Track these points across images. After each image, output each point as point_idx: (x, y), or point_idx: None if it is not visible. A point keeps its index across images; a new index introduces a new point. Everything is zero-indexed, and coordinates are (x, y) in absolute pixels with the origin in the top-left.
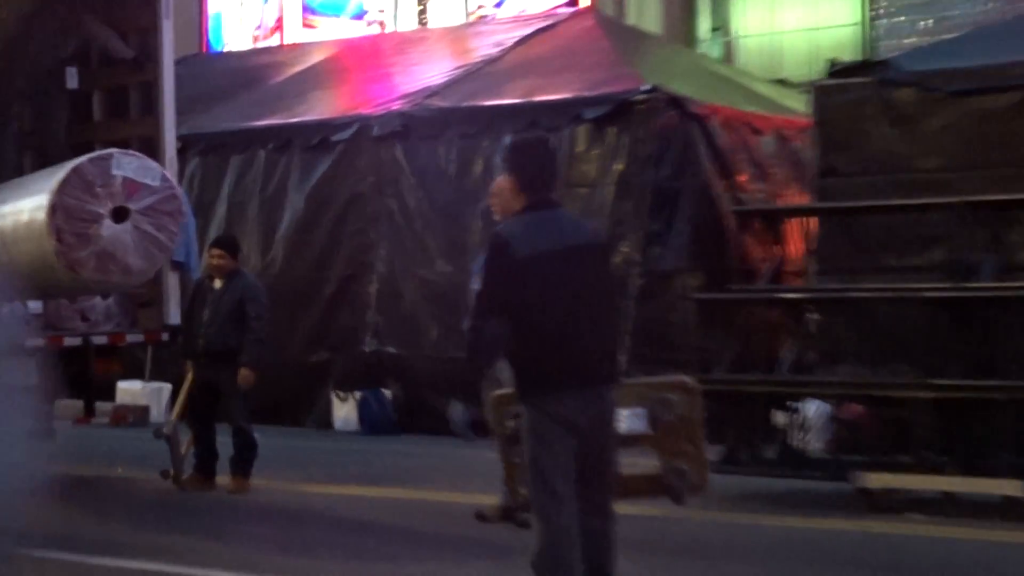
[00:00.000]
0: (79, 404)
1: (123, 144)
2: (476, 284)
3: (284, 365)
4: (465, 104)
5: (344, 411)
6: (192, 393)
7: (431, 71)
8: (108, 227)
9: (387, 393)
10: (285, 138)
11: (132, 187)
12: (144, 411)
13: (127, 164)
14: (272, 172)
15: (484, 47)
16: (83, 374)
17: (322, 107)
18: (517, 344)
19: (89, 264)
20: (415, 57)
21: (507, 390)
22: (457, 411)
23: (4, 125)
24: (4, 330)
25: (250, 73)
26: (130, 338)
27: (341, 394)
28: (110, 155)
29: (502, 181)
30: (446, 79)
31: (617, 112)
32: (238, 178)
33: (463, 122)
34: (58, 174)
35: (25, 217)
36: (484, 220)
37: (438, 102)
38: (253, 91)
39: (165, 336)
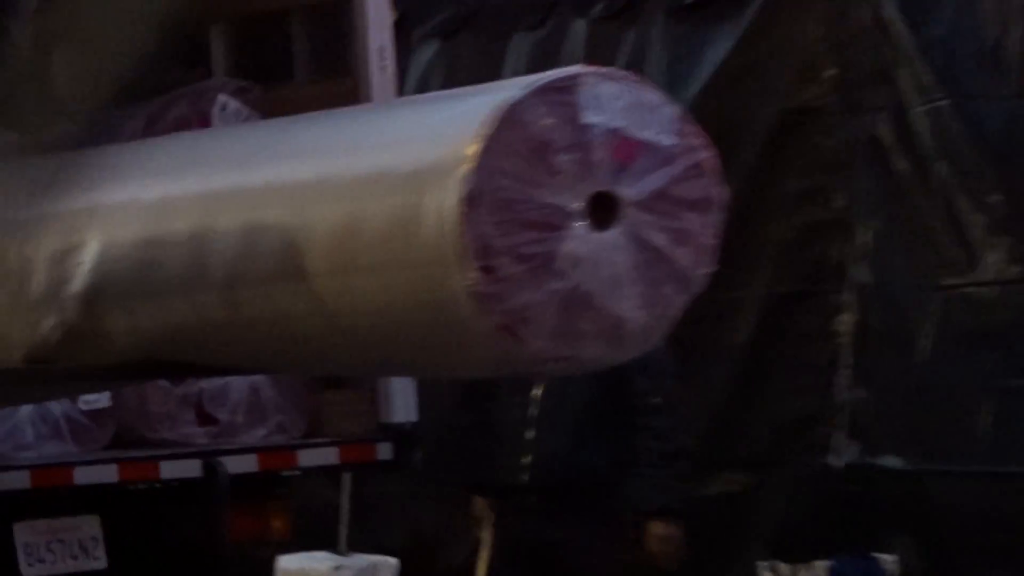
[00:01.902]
0: None
1: (273, 26)
2: None
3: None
4: None
5: None
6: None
7: None
8: (583, 239)
9: (887, 562)
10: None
11: (624, 149)
12: None
13: (608, 98)
14: (606, 58)
15: None
16: (207, 542)
17: None
18: None
19: (544, 320)
20: None
21: None
22: None
23: None
24: None
25: None
26: (306, 459)
27: (782, 568)
28: (576, 79)
29: None
30: None
31: None
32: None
33: None
34: (462, 120)
35: (371, 216)
36: None
37: None
38: None
39: (385, 451)
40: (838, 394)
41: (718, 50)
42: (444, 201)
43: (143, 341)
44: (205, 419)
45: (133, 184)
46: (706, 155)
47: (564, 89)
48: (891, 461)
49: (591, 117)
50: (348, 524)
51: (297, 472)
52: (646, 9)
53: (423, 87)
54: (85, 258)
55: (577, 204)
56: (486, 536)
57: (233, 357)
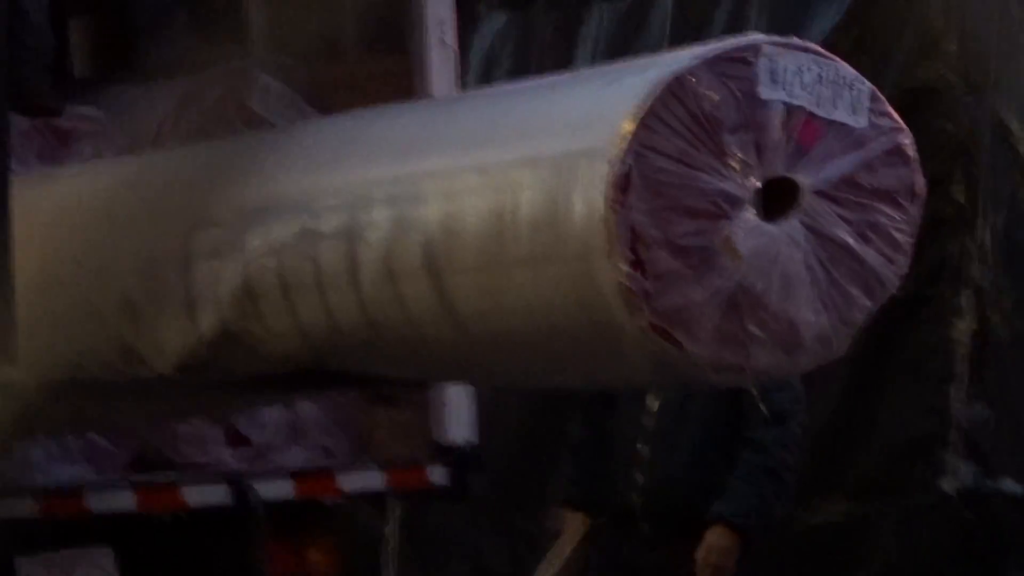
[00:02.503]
0: None
1: None
2: None
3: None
4: None
5: None
6: None
7: None
8: (754, 231)
9: None
10: None
11: (807, 129)
12: None
13: (793, 73)
14: (702, 25)
15: None
16: (234, 573)
17: None
18: None
19: (706, 322)
20: None
21: None
22: None
23: None
24: None
25: None
26: (350, 484)
27: None
28: (754, 50)
29: None
30: None
31: None
32: (613, 47)
33: None
34: (617, 96)
35: (515, 206)
36: None
37: None
38: None
39: (440, 476)
40: (954, 411)
41: (825, 21)
42: (594, 186)
43: (299, 345)
44: (237, 440)
45: (283, 175)
46: (903, 139)
47: (739, 60)
48: (1012, 486)
49: (769, 93)
50: (397, 558)
51: (340, 499)
52: None
53: (489, 64)
54: (244, 251)
55: (748, 191)
56: (568, 551)
57: (385, 365)
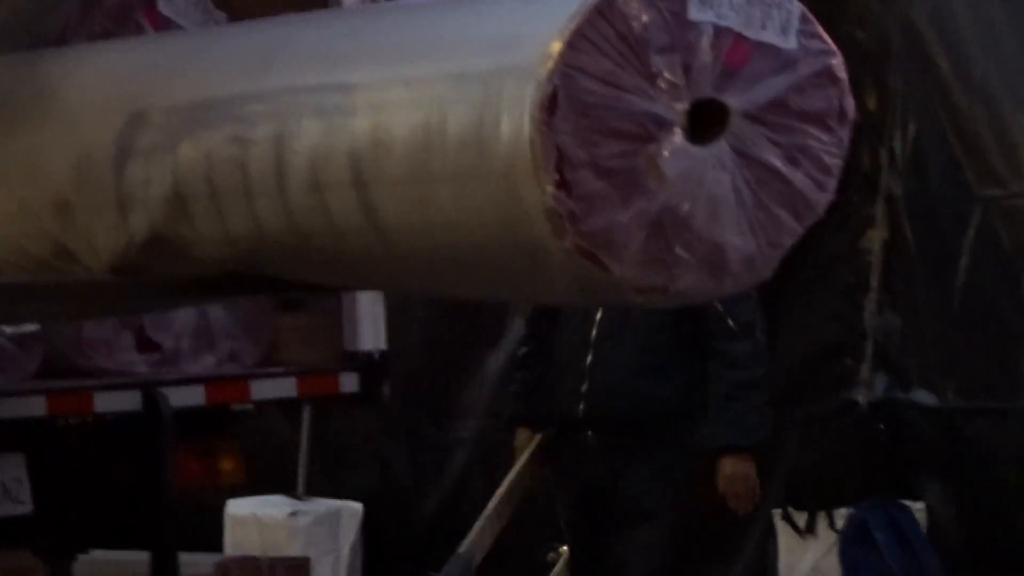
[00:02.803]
0: (138, 562)
1: None
2: None
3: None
4: None
5: (803, 553)
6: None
7: None
8: (679, 153)
9: (915, 510)
10: None
11: (735, 52)
12: (298, 572)
13: None
14: None
15: None
16: (149, 485)
17: None
18: None
19: (630, 244)
20: None
21: None
22: None
23: None
24: None
25: None
26: (259, 392)
27: (797, 516)
28: None
29: None
30: None
31: None
32: None
33: None
34: (545, 12)
35: (442, 120)
36: None
37: None
38: None
39: (349, 382)
40: (866, 321)
41: None
42: (520, 105)
43: (229, 250)
44: (146, 345)
45: (213, 78)
46: (833, 61)
47: None
48: (923, 397)
49: (698, 14)
50: (307, 465)
51: (250, 406)
52: None
53: None
54: (174, 154)
55: (676, 112)
56: (523, 469)
57: (312, 272)
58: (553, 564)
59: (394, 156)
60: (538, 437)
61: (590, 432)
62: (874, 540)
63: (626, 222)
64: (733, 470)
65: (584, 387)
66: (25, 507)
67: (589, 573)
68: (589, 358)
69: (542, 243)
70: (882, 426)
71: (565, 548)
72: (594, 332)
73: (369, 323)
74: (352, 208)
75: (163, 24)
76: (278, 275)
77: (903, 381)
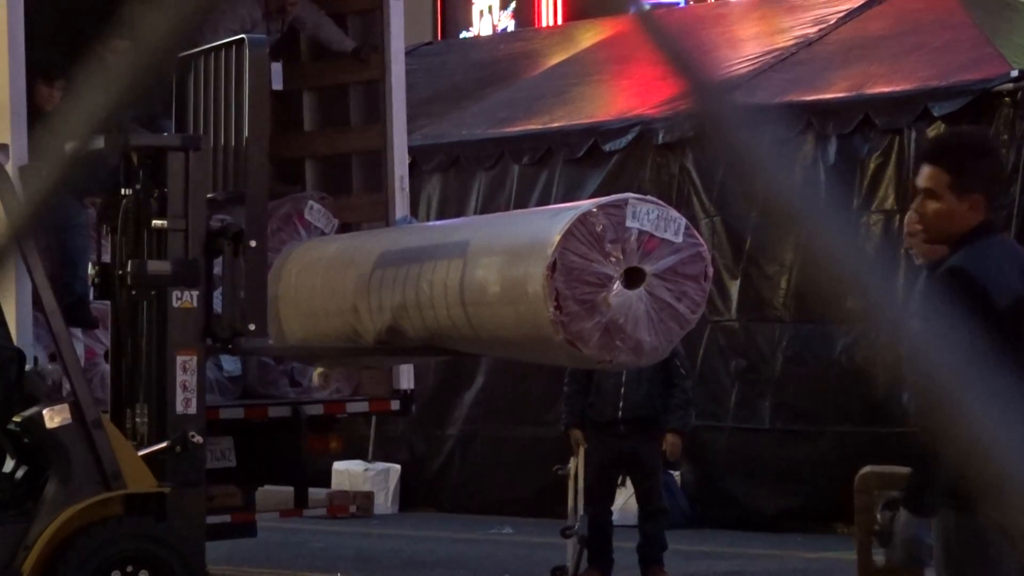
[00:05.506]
0: (287, 492)
1: (341, 161)
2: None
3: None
4: (777, 100)
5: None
6: (591, 473)
7: (731, 57)
8: (618, 294)
9: (676, 477)
10: (545, 148)
11: (649, 243)
12: (367, 499)
13: (644, 214)
14: (529, 190)
15: (799, 25)
16: (293, 454)
17: (591, 108)
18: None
19: (592, 339)
20: (712, 39)
21: (882, 468)
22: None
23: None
24: None
25: (499, 66)
26: (351, 408)
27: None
28: (624, 201)
29: (935, 203)
30: (751, 68)
31: (975, 106)
32: (486, 199)
33: (775, 122)
34: (553, 222)
35: (501, 274)
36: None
37: (742, 97)
38: (503, 89)
39: (395, 405)
40: None
41: (590, 188)
42: (538, 269)
43: (424, 335)
44: (294, 383)
45: (394, 254)
46: (702, 249)
47: (615, 206)
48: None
49: (631, 223)
50: (373, 446)
51: (345, 415)
52: (552, 160)
53: (429, 201)
54: (392, 288)
55: (618, 273)
56: (581, 454)
57: (452, 344)
58: (562, 477)
59: (483, 293)
60: (584, 435)
61: (622, 427)
62: None
63: (590, 328)
64: (673, 440)
65: (621, 403)
66: (231, 463)
67: (604, 508)
68: (622, 388)
69: (549, 337)
70: None
71: (572, 460)
72: (624, 375)
73: (405, 373)
74: (462, 318)
75: (308, 225)
76: (442, 346)
77: None
